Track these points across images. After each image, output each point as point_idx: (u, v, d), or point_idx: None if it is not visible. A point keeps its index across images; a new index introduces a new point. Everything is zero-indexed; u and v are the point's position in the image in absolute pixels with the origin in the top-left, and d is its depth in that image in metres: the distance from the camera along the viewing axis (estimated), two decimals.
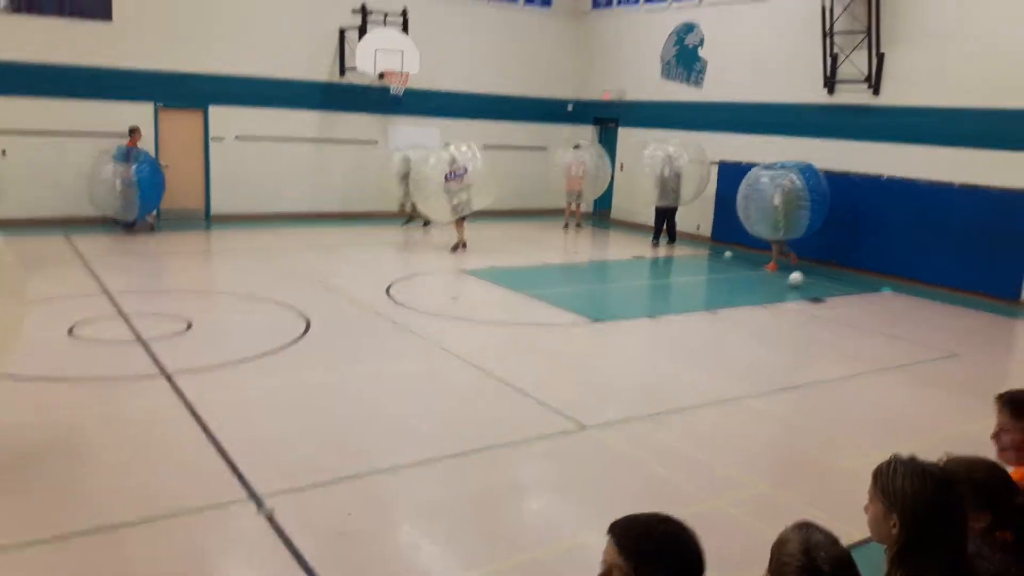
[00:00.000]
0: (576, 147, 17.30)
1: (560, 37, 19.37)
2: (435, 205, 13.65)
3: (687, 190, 15.37)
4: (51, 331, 8.12)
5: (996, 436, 3.02)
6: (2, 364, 5.87)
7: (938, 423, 6.80)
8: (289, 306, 9.53)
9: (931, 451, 2.50)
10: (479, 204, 13.75)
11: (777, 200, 12.87)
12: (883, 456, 2.34)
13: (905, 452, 2.33)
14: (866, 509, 2.32)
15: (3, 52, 13.73)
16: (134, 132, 14.42)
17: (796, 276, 12.14)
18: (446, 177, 13.20)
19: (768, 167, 13.40)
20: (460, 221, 13.79)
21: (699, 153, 15.36)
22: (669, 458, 5.86)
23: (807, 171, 13.06)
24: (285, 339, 8.22)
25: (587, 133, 19.29)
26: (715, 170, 15.74)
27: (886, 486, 2.23)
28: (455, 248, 13.77)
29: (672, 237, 15.86)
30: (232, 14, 15.46)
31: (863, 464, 2.33)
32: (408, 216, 16.36)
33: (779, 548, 2.05)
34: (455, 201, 13.38)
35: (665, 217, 15.75)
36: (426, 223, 16.13)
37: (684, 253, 15.20)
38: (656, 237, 15.86)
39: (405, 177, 15.49)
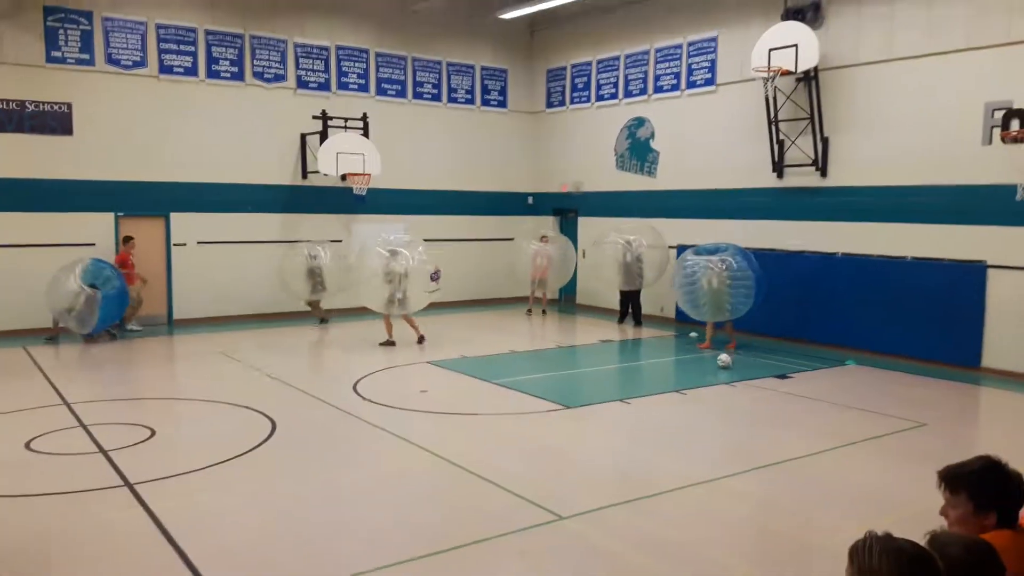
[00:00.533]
0: (543, 238, 17.65)
1: (517, 135, 19.96)
2: (370, 294, 13.65)
3: (649, 273, 15.95)
4: (8, 446, 7.86)
5: (943, 512, 3.02)
6: None
7: (913, 495, 6.78)
8: (254, 409, 9.36)
9: (907, 524, 2.50)
10: (416, 306, 13.72)
11: (706, 283, 13.14)
12: (861, 532, 2.33)
13: (882, 527, 2.32)
14: None
15: None
16: (128, 241, 14.68)
17: (724, 357, 12.11)
18: (431, 277, 13.62)
19: (697, 251, 13.70)
20: (409, 318, 13.82)
21: (657, 238, 15.92)
22: (649, 545, 5.76)
23: (737, 253, 13.36)
24: (250, 443, 8.04)
25: (548, 224, 19.66)
26: (673, 254, 16.06)
27: (863, 566, 2.21)
28: (384, 344, 13.55)
29: (637, 319, 16.40)
30: (193, 124, 15.72)
31: (842, 541, 2.32)
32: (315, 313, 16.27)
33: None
34: (392, 294, 13.35)
35: (630, 299, 16.45)
36: (323, 320, 16.18)
37: (650, 335, 15.33)
38: (621, 318, 16.61)
39: (311, 273, 15.68)
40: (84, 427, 8.57)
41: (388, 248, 13.67)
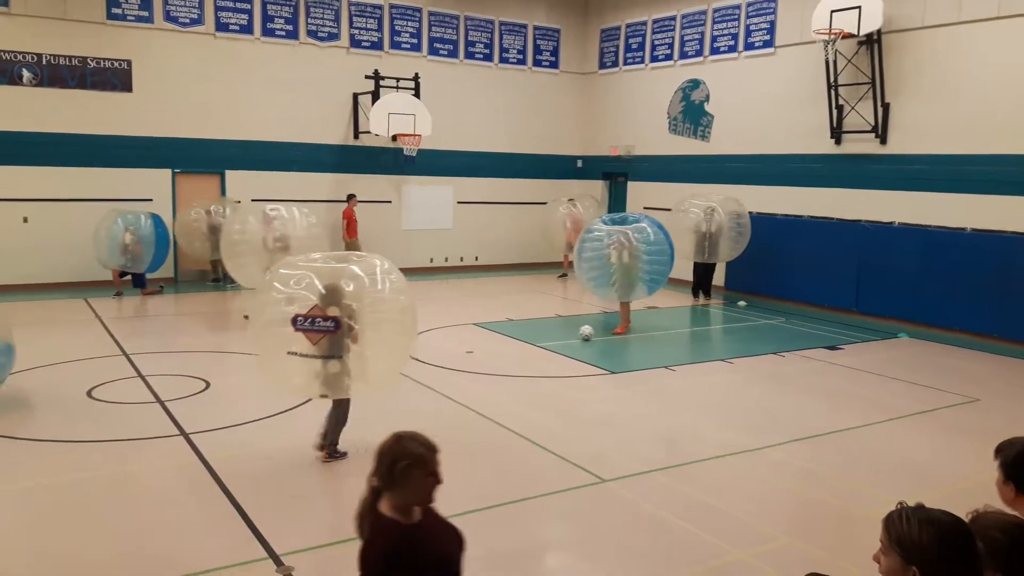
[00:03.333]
0: (570, 200, 17.61)
1: (568, 97, 19.75)
2: (247, 269, 11.69)
3: (728, 247, 14.78)
4: (71, 393, 8.19)
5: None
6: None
7: (961, 471, 6.70)
8: None
9: (954, 499, 2.48)
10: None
11: (616, 258, 11.63)
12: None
13: (927, 502, 2.31)
14: (875, 558, 2.29)
15: (27, 124, 14.14)
16: (351, 198, 16.26)
17: (586, 329, 11.45)
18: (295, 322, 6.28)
19: (604, 221, 12.20)
20: None
21: (737, 207, 14.73)
22: (690, 511, 5.79)
23: (653, 223, 12.03)
24: (301, 397, 8.24)
25: (597, 188, 19.55)
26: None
27: (903, 537, 2.20)
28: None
29: (706, 291, 15.52)
30: (248, 82, 15.89)
31: (885, 514, 2.31)
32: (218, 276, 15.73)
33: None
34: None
35: (705, 272, 15.48)
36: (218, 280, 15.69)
37: (698, 302, 15.20)
38: (696, 291, 15.55)
39: (212, 231, 14.68)
40: (142, 377, 8.87)
41: (270, 210, 11.75)
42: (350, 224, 16.38)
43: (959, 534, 2.18)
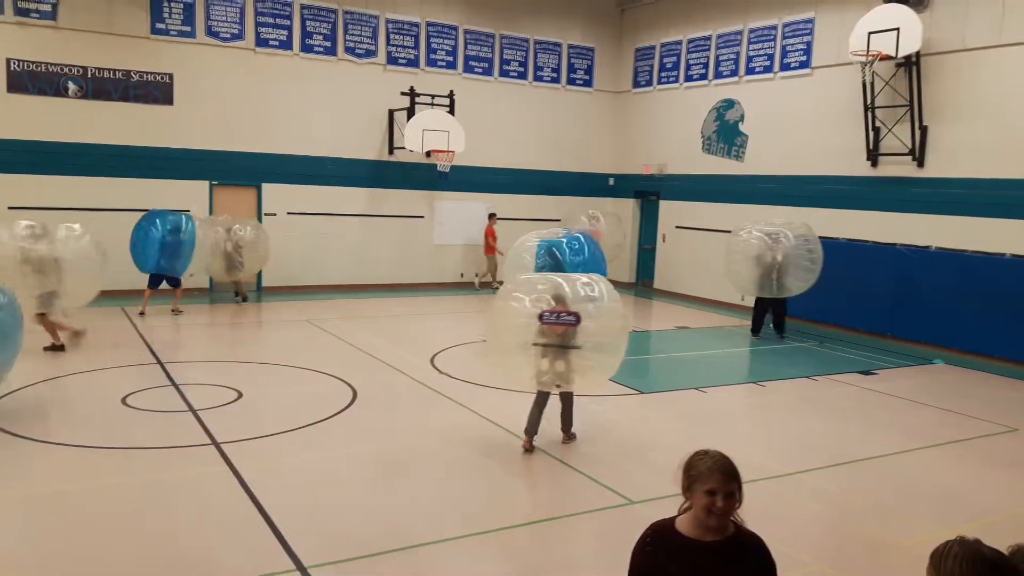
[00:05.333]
0: (591, 215, 17.65)
1: (601, 115, 19.79)
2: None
3: (794, 279, 12.78)
4: (106, 400, 8.33)
5: None
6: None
7: (999, 503, 6.55)
8: (335, 376, 9.65)
9: (991, 532, 2.44)
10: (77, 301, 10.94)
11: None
12: (942, 536, 2.29)
13: (968, 532, 2.28)
14: None
15: (72, 135, 14.48)
16: (492, 216, 17.66)
17: None
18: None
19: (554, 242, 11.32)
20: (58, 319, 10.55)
21: (807, 233, 12.87)
22: None
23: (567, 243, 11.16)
24: (331, 409, 8.31)
25: (628, 207, 19.54)
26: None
27: (939, 568, 2.19)
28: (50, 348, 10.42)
29: (780, 328, 13.50)
30: (286, 97, 16.13)
31: (921, 543, 2.30)
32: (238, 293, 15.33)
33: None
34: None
35: (770, 306, 13.43)
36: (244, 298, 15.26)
37: (730, 323, 15.08)
38: (755, 328, 13.67)
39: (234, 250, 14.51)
40: (175, 386, 8.99)
41: (28, 227, 10.09)
42: (491, 240, 17.55)
43: (998, 570, 2.14)
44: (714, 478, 2.73)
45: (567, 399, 7.58)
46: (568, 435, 7.64)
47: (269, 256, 15.20)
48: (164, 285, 13.81)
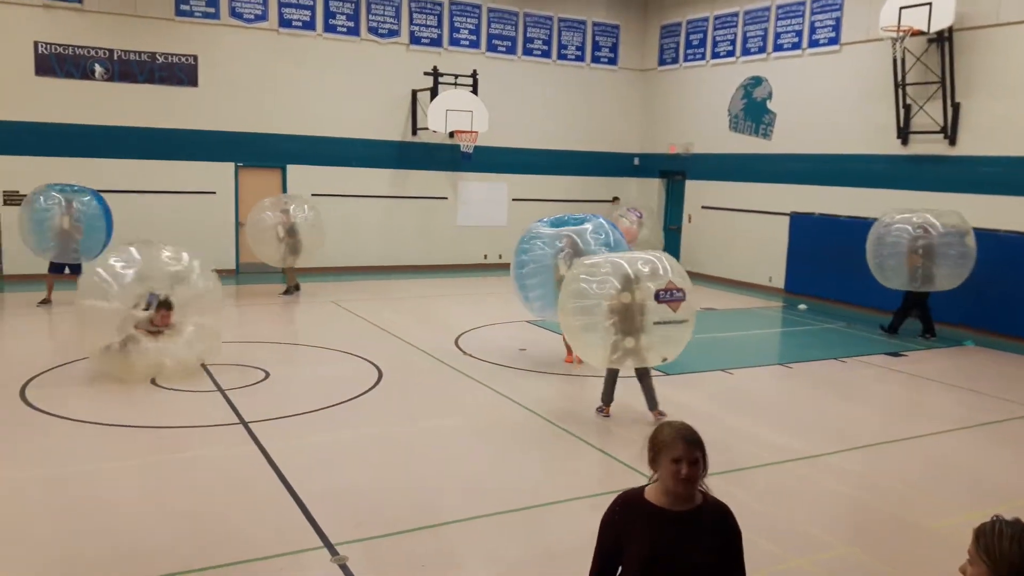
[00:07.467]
0: (615, 199, 17.68)
1: (626, 93, 19.61)
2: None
3: (944, 272, 11.61)
4: (135, 380, 8.44)
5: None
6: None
7: None
8: (361, 357, 9.71)
9: (1020, 514, 2.41)
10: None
11: (563, 270, 9.08)
12: (972, 518, 2.27)
13: (1001, 514, 2.25)
14: (962, 569, 2.25)
15: (99, 117, 14.61)
16: (615, 200, 17.81)
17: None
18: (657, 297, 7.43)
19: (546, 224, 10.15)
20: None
21: (959, 220, 11.66)
22: (747, 516, 5.66)
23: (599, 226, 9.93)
24: (357, 390, 8.37)
25: (654, 186, 19.39)
26: (786, 221, 15.58)
27: (991, 548, 2.17)
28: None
29: (928, 327, 12.12)
30: (310, 78, 16.14)
31: (950, 525, 2.28)
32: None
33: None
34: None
35: (915, 302, 12.13)
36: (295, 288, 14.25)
37: (756, 305, 14.96)
38: (894, 326, 12.29)
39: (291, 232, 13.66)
40: (204, 366, 9.09)
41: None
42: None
43: None
44: (678, 446, 2.80)
45: (645, 378, 7.73)
46: (658, 412, 7.64)
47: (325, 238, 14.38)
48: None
